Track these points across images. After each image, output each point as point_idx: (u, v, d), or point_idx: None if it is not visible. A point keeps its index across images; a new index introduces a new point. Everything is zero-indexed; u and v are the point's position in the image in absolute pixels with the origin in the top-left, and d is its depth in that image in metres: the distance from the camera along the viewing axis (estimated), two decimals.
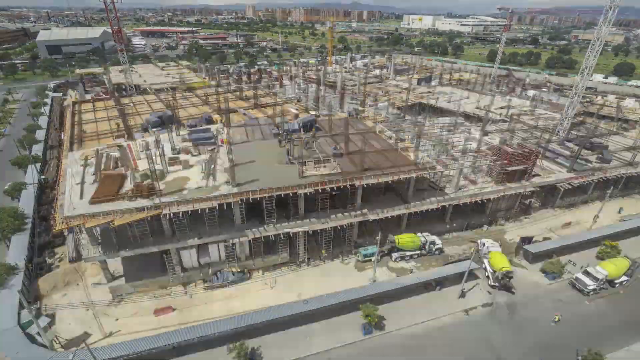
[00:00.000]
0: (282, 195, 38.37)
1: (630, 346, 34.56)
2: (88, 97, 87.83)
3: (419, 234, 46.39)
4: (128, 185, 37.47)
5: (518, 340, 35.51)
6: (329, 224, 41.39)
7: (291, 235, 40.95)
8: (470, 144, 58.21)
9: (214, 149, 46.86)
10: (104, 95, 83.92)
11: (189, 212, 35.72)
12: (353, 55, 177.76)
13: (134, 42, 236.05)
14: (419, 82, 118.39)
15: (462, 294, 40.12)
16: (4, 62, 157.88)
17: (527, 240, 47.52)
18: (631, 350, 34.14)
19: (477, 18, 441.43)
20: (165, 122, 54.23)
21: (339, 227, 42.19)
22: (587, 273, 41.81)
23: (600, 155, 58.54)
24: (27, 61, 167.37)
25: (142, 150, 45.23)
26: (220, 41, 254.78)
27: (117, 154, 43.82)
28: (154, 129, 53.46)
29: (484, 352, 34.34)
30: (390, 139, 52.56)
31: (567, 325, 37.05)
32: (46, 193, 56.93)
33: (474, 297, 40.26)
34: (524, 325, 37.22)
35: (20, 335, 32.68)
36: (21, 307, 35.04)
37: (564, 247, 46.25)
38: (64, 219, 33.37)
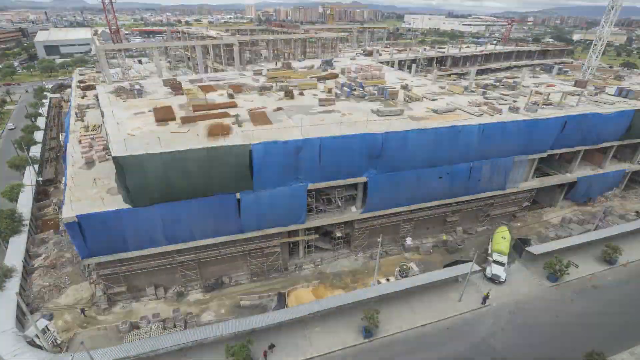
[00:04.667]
0: None
1: (633, 348, 34.31)
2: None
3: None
4: None
5: (519, 342, 35.24)
6: None
7: None
8: None
9: None
10: None
11: None
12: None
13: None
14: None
15: (463, 296, 39.87)
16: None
17: (524, 241, 47.27)
18: (635, 353, 33.89)
19: (478, 18, 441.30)
20: None
21: None
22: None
23: None
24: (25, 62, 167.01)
25: None
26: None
27: None
28: None
29: (485, 355, 34.09)
30: None
31: (568, 327, 36.84)
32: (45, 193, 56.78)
33: (475, 299, 40.01)
34: (524, 327, 36.94)
35: (19, 337, 32.42)
36: (19, 309, 34.86)
37: (566, 248, 45.97)
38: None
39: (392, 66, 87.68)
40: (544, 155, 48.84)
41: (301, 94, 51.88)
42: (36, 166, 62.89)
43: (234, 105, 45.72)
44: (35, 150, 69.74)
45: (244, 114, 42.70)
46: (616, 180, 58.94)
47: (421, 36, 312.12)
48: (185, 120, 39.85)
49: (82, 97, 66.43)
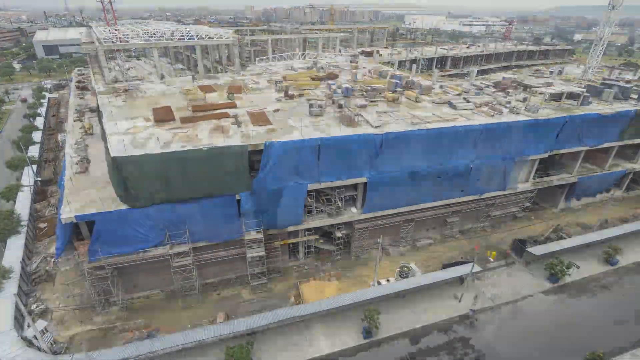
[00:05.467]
0: None
1: (635, 350, 34.15)
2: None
3: None
4: None
5: (519, 343, 35.08)
6: None
7: None
8: None
9: None
10: None
11: None
12: None
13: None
14: None
15: (462, 297, 39.69)
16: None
17: (523, 242, 47.12)
18: (637, 355, 33.72)
19: (478, 18, 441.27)
20: None
21: None
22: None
23: None
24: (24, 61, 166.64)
25: None
26: None
27: None
28: None
29: (486, 356, 33.91)
30: None
31: (569, 329, 36.68)
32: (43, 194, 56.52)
33: (474, 300, 39.79)
34: (525, 328, 36.76)
35: (17, 338, 32.20)
36: (17, 310, 34.63)
37: (567, 249, 45.76)
38: None
39: (392, 66, 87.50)
40: (545, 155, 48.72)
41: (301, 94, 51.70)
42: (34, 166, 62.54)
43: (234, 106, 45.55)
44: (34, 151, 69.40)
45: (244, 114, 42.55)
46: (615, 181, 58.78)
47: (421, 37, 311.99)
48: (185, 121, 39.70)
49: (81, 98, 66.29)
